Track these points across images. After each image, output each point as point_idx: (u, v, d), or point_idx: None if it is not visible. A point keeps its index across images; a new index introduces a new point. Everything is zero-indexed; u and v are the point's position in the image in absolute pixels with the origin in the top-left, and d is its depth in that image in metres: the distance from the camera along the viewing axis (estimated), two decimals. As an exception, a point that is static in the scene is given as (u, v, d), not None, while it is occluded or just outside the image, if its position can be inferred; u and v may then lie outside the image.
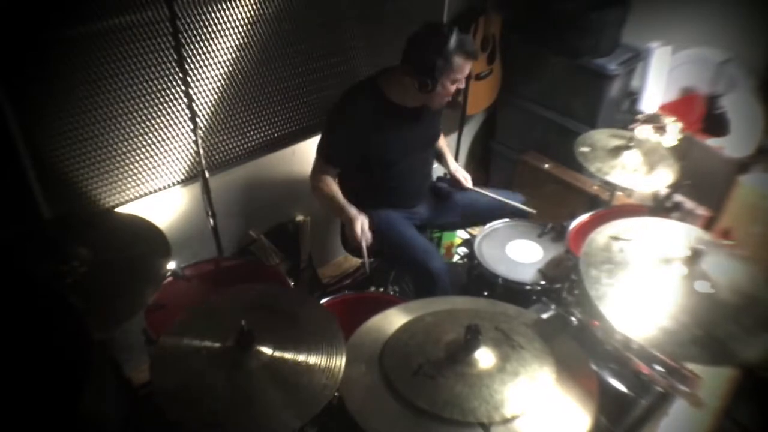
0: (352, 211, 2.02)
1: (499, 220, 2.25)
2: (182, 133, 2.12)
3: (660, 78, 2.75)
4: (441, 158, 2.43)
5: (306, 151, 2.55)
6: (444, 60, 1.90)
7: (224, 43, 2.08)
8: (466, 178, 2.36)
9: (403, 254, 2.11)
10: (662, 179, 2.05)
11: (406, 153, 2.12)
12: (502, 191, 2.40)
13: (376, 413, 1.21)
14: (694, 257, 1.39)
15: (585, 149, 2.14)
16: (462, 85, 2.01)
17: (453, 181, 2.37)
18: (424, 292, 2.03)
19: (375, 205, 2.17)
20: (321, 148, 2.10)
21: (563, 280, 1.90)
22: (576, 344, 1.42)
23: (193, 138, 2.07)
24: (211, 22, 2.02)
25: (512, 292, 1.95)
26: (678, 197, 2.11)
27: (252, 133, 2.35)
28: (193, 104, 2.02)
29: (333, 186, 2.10)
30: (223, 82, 2.15)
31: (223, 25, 2.06)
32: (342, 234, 2.35)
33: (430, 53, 1.90)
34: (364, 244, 1.97)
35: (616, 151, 2.12)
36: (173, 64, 1.96)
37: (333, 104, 2.09)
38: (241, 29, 2.11)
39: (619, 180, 2.05)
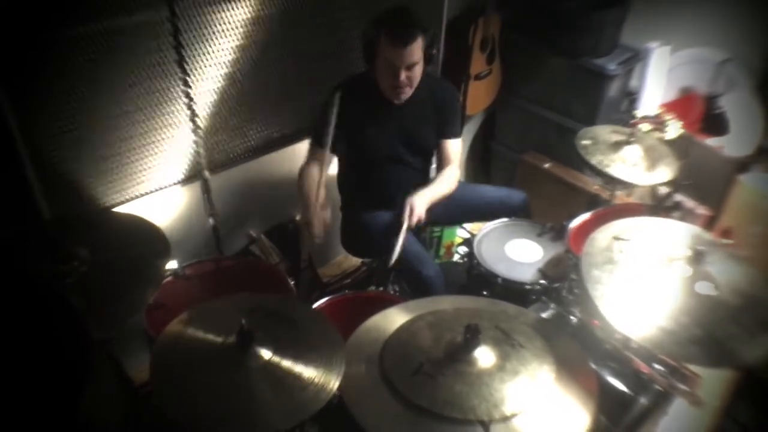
0: (309, 201, 1.95)
1: (499, 220, 2.25)
2: (182, 133, 2.12)
3: (659, 78, 2.75)
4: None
5: (306, 151, 2.55)
6: (370, 40, 1.92)
7: (224, 43, 2.09)
8: (413, 211, 2.03)
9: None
10: (662, 174, 2.05)
11: (397, 152, 2.11)
12: (503, 188, 2.40)
13: (376, 412, 1.22)
14: (695, 257, 1.39)
15: (587, 142, 2.15)
16: (400, 75, 1.91)
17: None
18: (419, 297, 2.02)
19: (369, 206, 2.17)
20: (313, 132, 2.10)
21: (563, 280, 1.90)
22: (576, 343, 1.42)
23: (194, 138, 2.07)
24: (212, 23, 2.02)
25: (512, 291, 1.95)
26: (678, 197, 2.11)
27: (252, 132, 2.35)
28: (193, 104, 2.02)
29: (313, 175, 2.01)
30: (223, 82, 2.15)
31: (224, 25, 2.06)
32: (342, 234, 2.35)
33: (364, 32, 1.96)
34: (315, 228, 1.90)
35: (617, 146, 2.13)
36: (173, 64, 1.96)
37: (331, 87, 2.09)
38: (241, 29, 2.11)
39: (619, 173, 2.05)
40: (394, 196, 2.20)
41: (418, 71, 1.96)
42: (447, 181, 2.19)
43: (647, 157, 2.10)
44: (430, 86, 2.09)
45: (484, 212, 2.30)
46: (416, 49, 1.90)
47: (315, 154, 2.09)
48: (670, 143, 2.28)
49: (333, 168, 2.20)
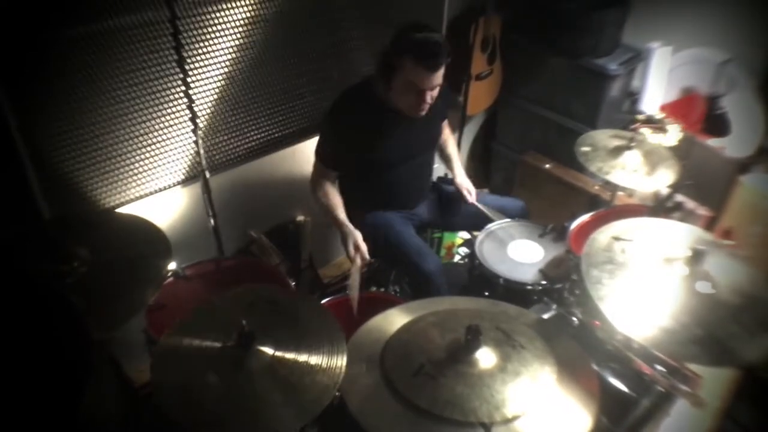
0: (348, 227, 2.01)
1: (501, 221, 2.24)
2: (183, 134, 2.12)
3: (660, 78, 2.75)
4: (449, 164, 2.40)
5: (306, 152, 2.54)
6: (392, 59, 1.88)
7: (224, 43, 2.08)
8: (470, 192, 2.30)
9: (397, 255, 2.11)
10: (663, 179, 2.05)
11: (404, 155, 2.12)
12: (503, 197, 2.41)
13: (376, 413, 1.21)
14: (695, 257, 1.39)
15: (586, 149, 2.14)
16: (425, 97, 1.91)
17: (457, 191, 2.32)
18: (419, 293, 2.02)
19: (373, 208, 2.16)
20: (319, 152, 2.09)
21: (564, 281, 1.90)
22: (577, 344, 1.41)
23: (194, 138, 2.06)
24: (212, 23, 2.02)
25: (513, 292, 1.94)
26: (679, 197, 2.11)
27: (252, 133, 2.35)
28: (194, 105, 2.02)
29: (333, 197, 2.09)
30: (223, 83, 2.15)
31: (224, 25, 2.06)
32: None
33: (385, 51, 1.91)
34: (358, 260, 1.94)
35: (617, 151, 2.12)
36: (173, 64, 1.96)
37: (329, 107, 2.08)
38: (241, 30, 2.11)
39: (620, 180, 2.05)
40: (403, 194, 2.21)
41: (438, 89, 1.95)
42: (455, 145, 2.43)
43: (647, 161, 2.09)
44: None
45: (482, 222, 2.30)
46: (442, 72, 1.90)
47: (324, 173, 2.09)
48: (671, 147, 2.28)
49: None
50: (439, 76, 1.89)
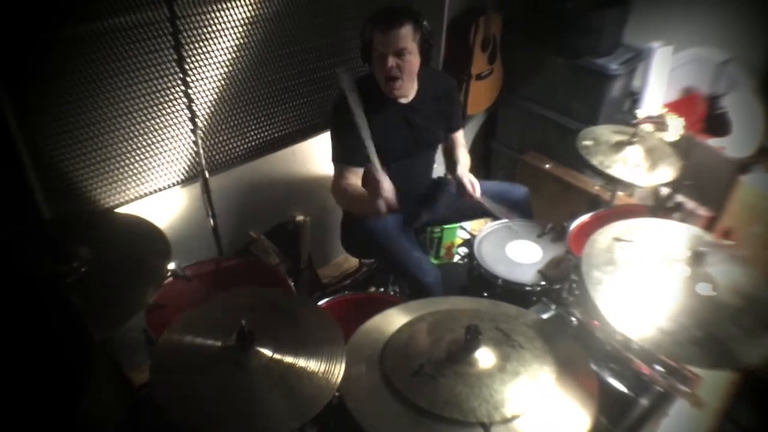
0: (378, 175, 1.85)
1: (500, 221, 2.24)
2: (182, 134, 2.12)
3: (661, 78, 2.75)
4: (454, 165, 2.34)
5: (306, 152, 2.55)
6: (363, 32, 1.93)
7: (224, 43, 2.09)
8: (473, 185, 2.22)
9: (397, 266, 2.12)
10: (663, 175, 2.05)
11: (405, 149, 2.11)
12: (505, 183, 2.41)
13: (376, 413, 1.21)
14: (695, 258, 1.39)
15: (588, 143, 2.15)
16: (387, 61, 1.89)
17: (459, 186, 2.26)
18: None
19: None
20: (336, 154, 2.05)
21: (563, 281, 1.90)
22: (576, 344, 1.41)
23: (193, 138, 2.07)
24: (211, 23, 2.02)
25: (512, 292, 1.94)
26: (679, 197, 2.11)
27: (252, 133, 2.35)
28: (193, 104, 2.02)
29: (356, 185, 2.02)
30: (223, 83, 2.15)
31: (223, 25, 2.06)
32: (342, 234, 2.35)
33: (360, 31, 1.96)
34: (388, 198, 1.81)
35: (619, 146, 2.13)
36: (173, 64, 1.96)
37: (333, 105, 2.08)
38: (241, 29, 2.11)
39: (620, 174, 2.05)
40: (407, 193, 2.20)
41: (409, 61, 1.91)
42: (467, 153, 2.37)
43: (649, 157, 2.10)
44: (433, 80, 2.10)
45: (483, 211, 2.30)
46: (404, 36, 1.87)
47: (347, 174, 2.01)
48: (672, 143, 2.27)
49: (328, 168, 2.16)
50: (398, 39, 1.86)
